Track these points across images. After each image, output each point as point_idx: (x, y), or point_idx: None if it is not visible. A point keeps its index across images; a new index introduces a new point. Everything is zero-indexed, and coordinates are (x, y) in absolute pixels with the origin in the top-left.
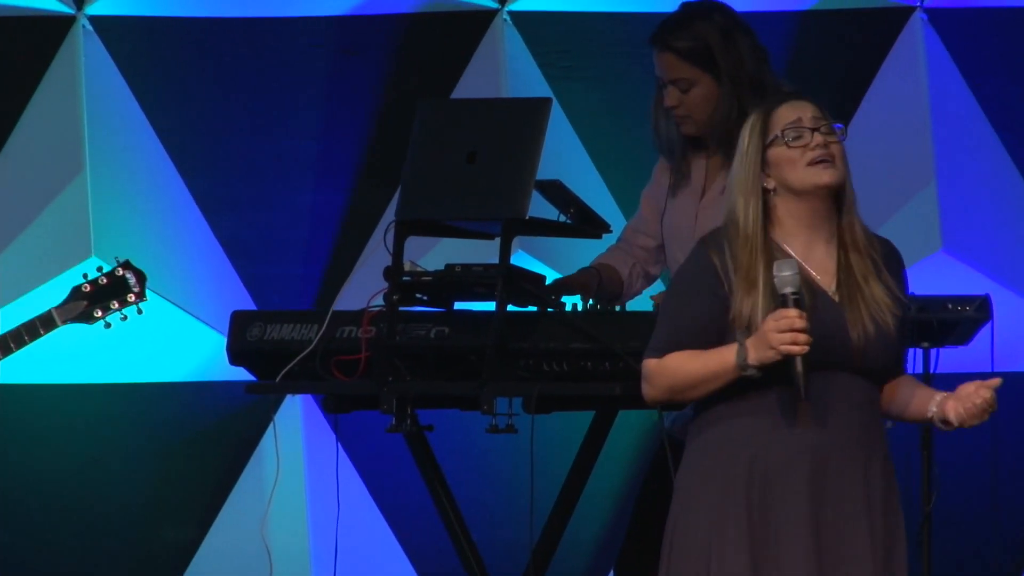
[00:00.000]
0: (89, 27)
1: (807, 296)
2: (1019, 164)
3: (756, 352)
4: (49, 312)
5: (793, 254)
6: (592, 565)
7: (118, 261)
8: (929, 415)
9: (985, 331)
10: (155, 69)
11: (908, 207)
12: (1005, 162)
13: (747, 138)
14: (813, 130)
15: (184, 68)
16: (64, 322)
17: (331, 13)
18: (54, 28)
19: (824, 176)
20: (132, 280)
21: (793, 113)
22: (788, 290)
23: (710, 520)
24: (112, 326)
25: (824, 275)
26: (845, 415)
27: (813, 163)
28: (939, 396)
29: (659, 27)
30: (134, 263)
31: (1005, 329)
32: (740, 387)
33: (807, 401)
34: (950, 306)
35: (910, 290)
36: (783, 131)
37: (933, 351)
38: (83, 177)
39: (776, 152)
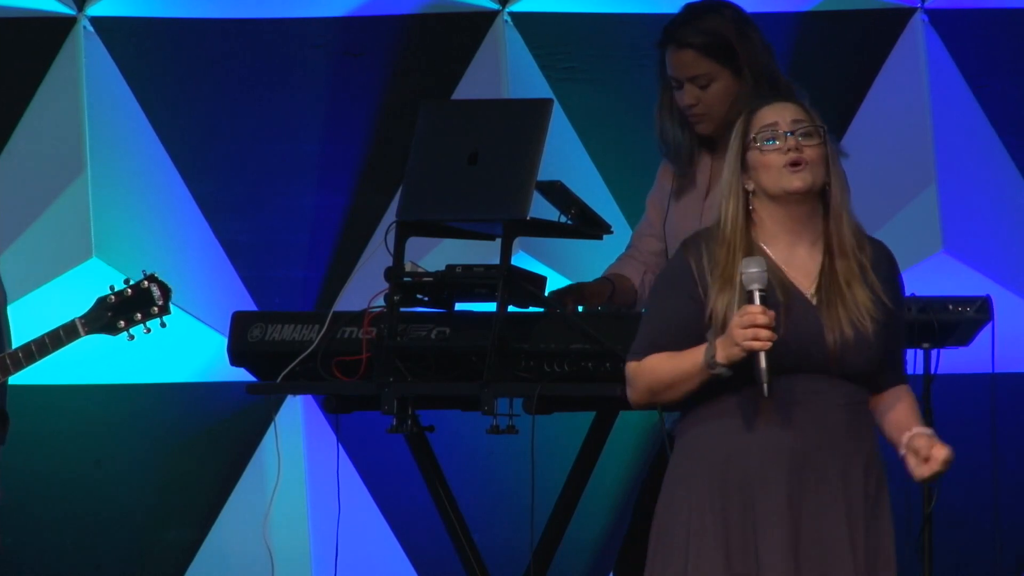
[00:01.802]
0: (90, 28)
1: (782, 297)
2: (1020, 165)
3: (724, 350)
4: (73, 322)
5: (771, 255)
6: (592, 566)
7: (144, 274)
8: (901, 453)
9: (986, 332)
10: (156, 70)
11: (909, 208)
12: (1006, 163)
13: (732, 139)
14: (788, 133)
15: (185, 69)
16: (87, 332)
17: (332, 14)
18: (55, 29)
19: (795, 181)
20: (157, 293)
21: (772, 116)
22: (755, 286)
23: (689, 521)
24: (135, 338)
25: (805, 278)
26: (824, 417)
27: (785, 167)
28: (906, 436)
29: (670, 26)
30: (135, 264)
31: (1006, 330)
32: (721, 388)
33: (770, 399)
34: (951, 307)
35: (911, 291)
36: (756, 135)
37: (934, 352)
38: (84, 178)
39: (752, 155)
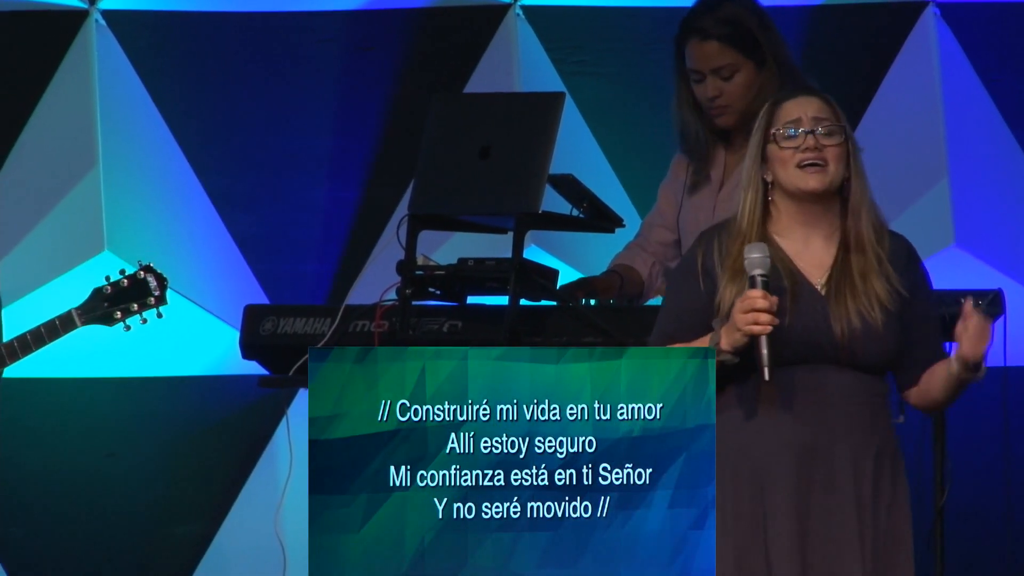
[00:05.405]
0: (102, 22)
1: (789, 285)
2: None
3: (727, 336)
4: (69, 312)
5: (784, 247)
6: None
7: (140, 264)
8: (953, 368)
9: (997, 326)
10: (168, 64)
11: (921, 202)
12: (1017, 157)
13: (755, 130)
14: (809, 131)
15: (197, 63)
16: (84, 323)
17: (344, 8)
18: (67, 23)
19: (810, 181)
20: (153, 283)
21: (796, 111)
22: (756, 271)
23: None
24: (132, 328)
25: (816, 269)
26: (834, 408)
27: (802, 165)
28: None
29: (690, 18)
30: (146, 258)
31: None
32: (725, 381)
33: (776, 390)
34: (962, 301)
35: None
36: (778, 129)
37: (946, 345)
38: (96, 172)
39: (771, 149)
